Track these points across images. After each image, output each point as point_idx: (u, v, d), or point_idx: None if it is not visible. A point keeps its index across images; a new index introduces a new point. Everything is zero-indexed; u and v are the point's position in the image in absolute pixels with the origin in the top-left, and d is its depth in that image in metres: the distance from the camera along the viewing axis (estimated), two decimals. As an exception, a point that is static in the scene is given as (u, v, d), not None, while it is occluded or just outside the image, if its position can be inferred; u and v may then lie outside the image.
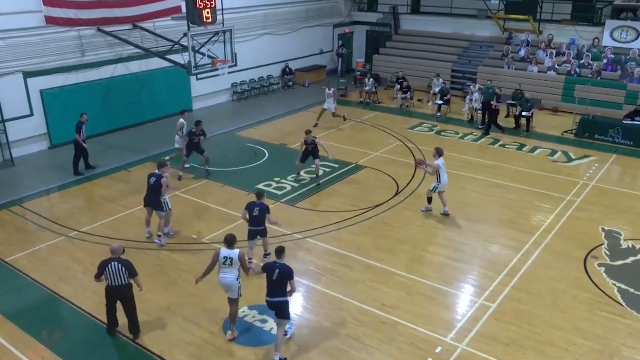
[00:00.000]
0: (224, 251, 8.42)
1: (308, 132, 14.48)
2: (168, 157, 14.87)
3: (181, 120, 15.10)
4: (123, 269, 8.35)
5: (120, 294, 8.52)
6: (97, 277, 8.43)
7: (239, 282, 8.54)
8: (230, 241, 8.43)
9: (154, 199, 11.27)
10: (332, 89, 19.14)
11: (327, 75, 26.89)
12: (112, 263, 8.32)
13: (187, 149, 14.78)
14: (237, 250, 8.42)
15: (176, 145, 15.20)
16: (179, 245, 11.47)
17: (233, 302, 8.66)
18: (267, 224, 10.38)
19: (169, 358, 8.30)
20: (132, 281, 8.49)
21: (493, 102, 18.33)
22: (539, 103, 21.10)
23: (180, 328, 8.95)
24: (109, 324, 8.83)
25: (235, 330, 8.80)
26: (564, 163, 16.08)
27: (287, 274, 7.98)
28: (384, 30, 27.26)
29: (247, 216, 10.31)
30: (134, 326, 8.78)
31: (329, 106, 19.09)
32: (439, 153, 12.57)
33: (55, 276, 10.37)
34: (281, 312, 8.12)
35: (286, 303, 8.15)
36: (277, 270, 8.00)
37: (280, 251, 8.12)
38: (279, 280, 8.00)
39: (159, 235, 11.49)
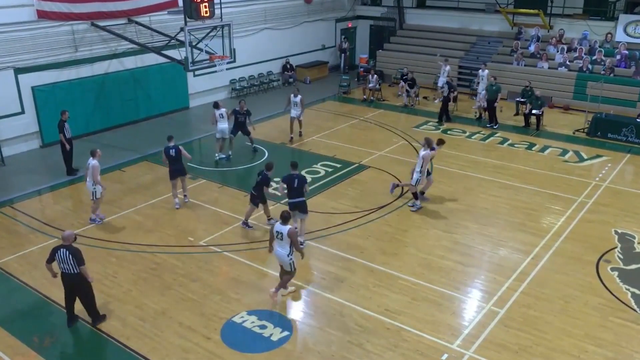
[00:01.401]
0: (277, 226, 9.32)
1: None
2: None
3: (216, 111, 15.83)
4: (71, 256, 8.58)
5: (70, 282, 8.77)
6: (48, 262, 8.80)
7: (290, 259, 9.41)
8: (285, 218, 9.30)
9: (179, 166, 12.94)
10: (300, 96, 17.31)
11: (330, 71, 26.92)
12: (62, 250, 8.65)
13: (234, 128, 16.00)
14: (288, 227, 9.23)
15: (217, 136, 16.02)
16: (175, 249, 11.48)
17: (285, 273, 9.64)
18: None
19: (164, 365, 8.31)
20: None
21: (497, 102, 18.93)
22: (550, 101, 21.09)
23: (177, 334, 8.95)
24: (67, 314, 9.11)
25: (277, 293, 9.59)
26: (575, 163, 16.06)
27: (304, 180, 11.14)
28: (388, 25, 27.27)
29: (286, 189, 11.23)
30: (92, 315, 9.08)
31: (296, 114, 17.43)
32: (428, 144, 12.81)
33: (47, 280, 10.32)
34: (302, 208, 11.10)
35: (304, 202, 11.12)
36: (296, 180, 10.94)
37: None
38: (299, 187, 10.93)
39: (185, 196, 13.37)
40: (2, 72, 15.85)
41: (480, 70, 20.44)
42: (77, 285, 8.81)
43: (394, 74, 24.39)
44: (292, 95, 17.52)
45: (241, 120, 16.06)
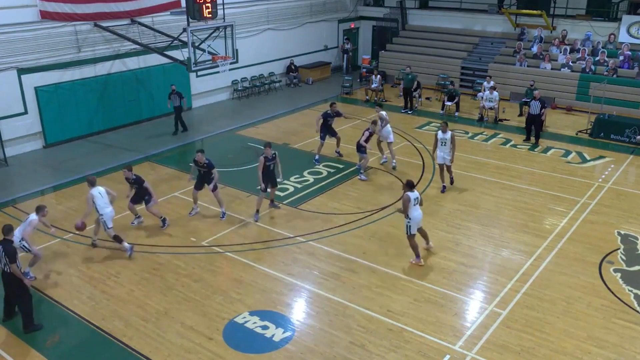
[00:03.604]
0: (412, 194, 10.51)
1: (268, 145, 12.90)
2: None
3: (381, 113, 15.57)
4: (2, 253, 8.54)
5: (4, 280, 8.81)
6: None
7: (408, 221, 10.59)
8: (412, 185, 10.66)
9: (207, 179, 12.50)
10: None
11: (332, 72, 26.93)
12: None
13: (322, 132, 15.85)
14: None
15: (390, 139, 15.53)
16: (177, 249, 11.49)
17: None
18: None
19: (166, 365, 8.32)
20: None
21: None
22: (553, 102, 21.06)
23: (179, 334, 8.95)
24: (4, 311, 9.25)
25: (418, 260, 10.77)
26: (578, 164, 16.03)
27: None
28: (391, 25, 27.25)
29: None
30: (24, 320, 8.98)
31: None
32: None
33: (49, 280, 10.40)
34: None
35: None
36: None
37: None
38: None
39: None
40: (5, 73, 15.90)
41: (485, 82, 20.38)
42: (8, 285, 8.84)
43: (396, 74, 24.36)
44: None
45: (330, 123, 15.96)
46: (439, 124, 19.19)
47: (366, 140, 14.67)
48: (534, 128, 17.58)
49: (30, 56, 16.32)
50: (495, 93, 19.44)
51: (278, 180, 12.97)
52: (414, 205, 10.57)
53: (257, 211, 12.72)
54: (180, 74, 19.65)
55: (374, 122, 14.96)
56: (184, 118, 18.67)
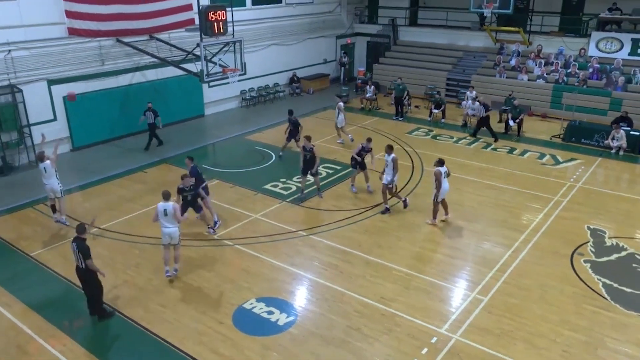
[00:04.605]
0: (442, 169, 11.58)
1: (308, 137, 13.27)
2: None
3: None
4: (77, 250, 8.46)
5: (79, 275, 8.76)
6: None
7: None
8: (442, 162, 11.64)
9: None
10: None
11: (331, 83, 26.90)
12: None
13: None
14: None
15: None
16: (192, 242, 11.49)
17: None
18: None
19: (182, 347, 8.31)
20: None
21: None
22: (529, 109, 21.06)
23: (193, 319, 8.96)
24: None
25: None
26: (552, 166, 16.03)
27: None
28: (383, 41, 27.25)
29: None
30: (95, 307, 8.93)
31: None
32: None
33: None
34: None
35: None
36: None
37: None
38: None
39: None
40: (37, 83, 15.90)
41: (468, 92, 20.34)
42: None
43: (388, 84, 24.33)
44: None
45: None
46: (426, 130, 19.33)
47: (358, 154, 13.43)
48: (487, 129, 18.38)
49: (59, 68, 16.32)
50: (477, 104, 19.28)
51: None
52: (444, 178, 11.70)
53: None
54: (193, 85, 19.64)
55: (369, 140, 13.64)
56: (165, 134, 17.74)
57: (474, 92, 20.13)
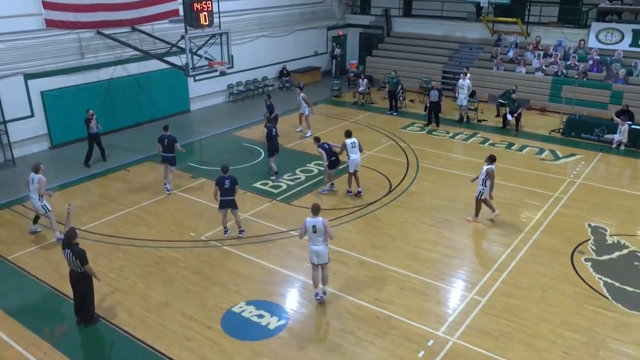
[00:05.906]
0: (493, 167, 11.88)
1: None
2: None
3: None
4: (72, 256, 8.40)
5: (72, 279, 8.70)
6: None
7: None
8: (494, 159, 12.01)
9: (230, 199, 11.38)
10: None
11: (322, 76, 26.87)
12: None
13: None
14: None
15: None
16: (177, 243, 11.45)
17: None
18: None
19: (168, 354, 8.28)
20: None
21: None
22: (527, 103, 21.17)
23: (180, 324, 8.93)
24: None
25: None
26: (551, 161, 16.14)
27: (235, 182, 11.33)
28: (376, 32, 27.24)
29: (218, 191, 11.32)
30: (86, 314, 8.89)
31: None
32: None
33: (57, 274, 10.30)
34: (232, 205, 11.44)
35: (234, 201, 11.37)
36: (227, 181, 11.17)
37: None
38: (230, 188, 11.23)
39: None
40: (13, 78, 15.72)
41: (460, 80, 19.94)
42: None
43: (382, 78, 24.36)
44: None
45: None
46: (422, 125, 19.38)
47: (332, 151, 13.44)
48: (434, 114, 19.23)
49: (36, 62, 16.15)
50: (467, 81, 19.36)
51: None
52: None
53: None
54: (178, 79, 19.54)
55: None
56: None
57: (467, 81, 19.61)
